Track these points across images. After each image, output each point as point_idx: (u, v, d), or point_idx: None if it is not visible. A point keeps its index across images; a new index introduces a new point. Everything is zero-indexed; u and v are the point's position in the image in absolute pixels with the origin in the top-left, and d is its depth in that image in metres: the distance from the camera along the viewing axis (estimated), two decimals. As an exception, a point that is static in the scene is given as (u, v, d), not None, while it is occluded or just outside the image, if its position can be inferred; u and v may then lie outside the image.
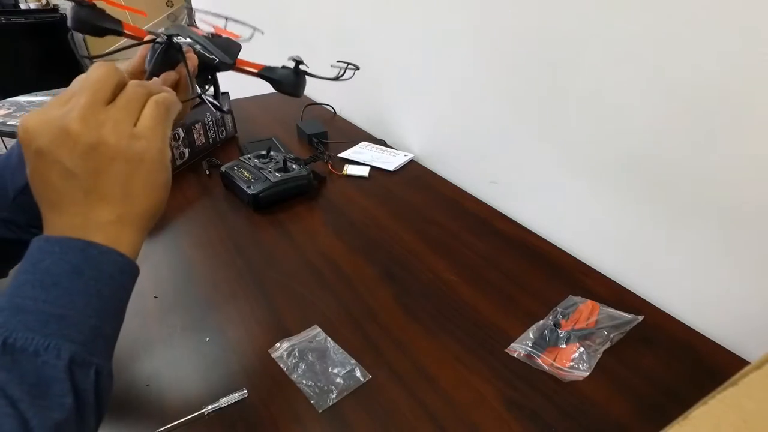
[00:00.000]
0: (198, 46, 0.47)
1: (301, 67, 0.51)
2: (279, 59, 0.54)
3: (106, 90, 0.33)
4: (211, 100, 0.49)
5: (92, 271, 0.32)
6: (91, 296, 0.31)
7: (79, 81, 0.34)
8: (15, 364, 0.28)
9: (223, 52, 0.47)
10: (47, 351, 0.28)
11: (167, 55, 0.44)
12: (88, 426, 0.30)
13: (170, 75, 0.44)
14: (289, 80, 0.51)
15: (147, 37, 0.46)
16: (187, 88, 0.45)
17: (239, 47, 0.49)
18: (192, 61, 0.45)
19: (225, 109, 0.53)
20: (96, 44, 2.60)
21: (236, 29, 0.50)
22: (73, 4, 0.43)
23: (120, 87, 0.34)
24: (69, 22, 0.44)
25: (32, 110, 0.33)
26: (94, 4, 0.44)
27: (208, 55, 0.47)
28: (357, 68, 0.50)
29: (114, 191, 0.33)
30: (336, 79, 0.50)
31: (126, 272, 0.34)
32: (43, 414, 0.27)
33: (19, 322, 0.29)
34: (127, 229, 0.34)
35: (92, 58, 0.47)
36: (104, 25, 0.44)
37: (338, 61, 0.51)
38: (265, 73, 0.51)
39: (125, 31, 0.46)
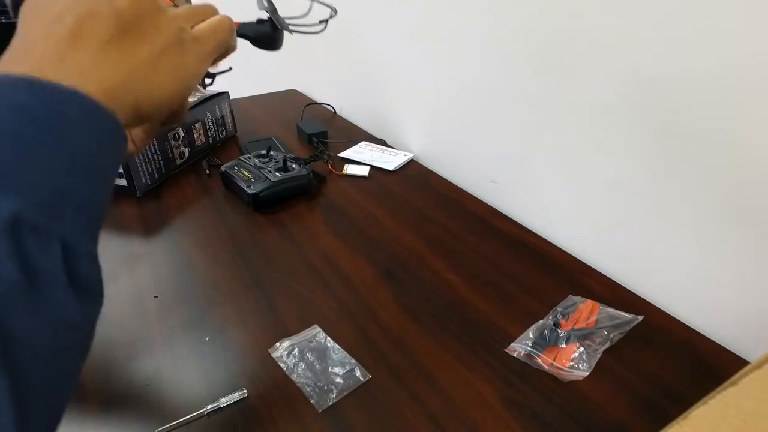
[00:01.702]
0: None
1: (276, 18, 0.47)
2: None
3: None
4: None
5: (56, 116, 0.24)
6: (49, 147, 0.23)
7: None
8: None
9: None
10: None
11: None
12: (57, 308, 0.22)
13: None
14: (265, 35, 0.48)
15: None
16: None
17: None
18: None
19: (226, 68, 0.49)
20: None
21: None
22: None
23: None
24: (11, 14, 0.39)
25: None
26: None
27: None
28: (334, 10, 0.48)
29: (139, 55, 0.29)
30: (313, 32, 0.47)
31: (104, 125, 0.26)
32: None
33: None
34: (126, 94, 0.28)
35: None
36: None
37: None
38: (241, 31, 0.47)
39: None
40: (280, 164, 0.85)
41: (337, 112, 1.27)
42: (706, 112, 0.51)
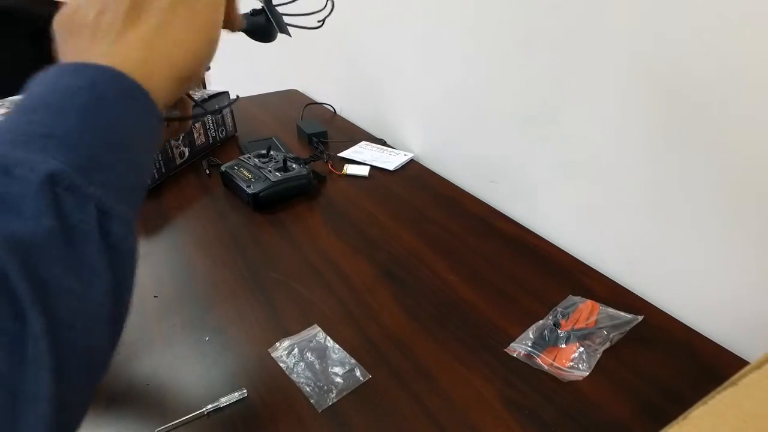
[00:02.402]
0: None
1: (271, 9, 0.47)
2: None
3: None
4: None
5: (91, 93, 0.26)
6: (87, 120, 0.25)
7: None
8: None
9: None
10: (18, 166, 0.21)
11: None
12: (88, 264, 0.22)
13: None
14: (259, 26, 0.47)
15: None
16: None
17: None
18: None
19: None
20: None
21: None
22: None
23: None
24: None
25: None
26: None
27: None
28: (332, 3, 0.47)
29: (150, 21, 0.30)
30: (309, 27, 0.47)
31: (136, 98, 0.28)
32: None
33: None
34: (153, 63, 0.30)
35: None
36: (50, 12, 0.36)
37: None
38: None
39: None
40: (280, 164, 0.85)
41: (337, 112, 1.27)
42: (707, 112, 0.51)
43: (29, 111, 0.25)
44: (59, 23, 0.31)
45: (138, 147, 0.28)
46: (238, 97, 0.49)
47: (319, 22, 0.47)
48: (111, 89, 0.27)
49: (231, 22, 0.38)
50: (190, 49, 0.32)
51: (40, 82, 0.27)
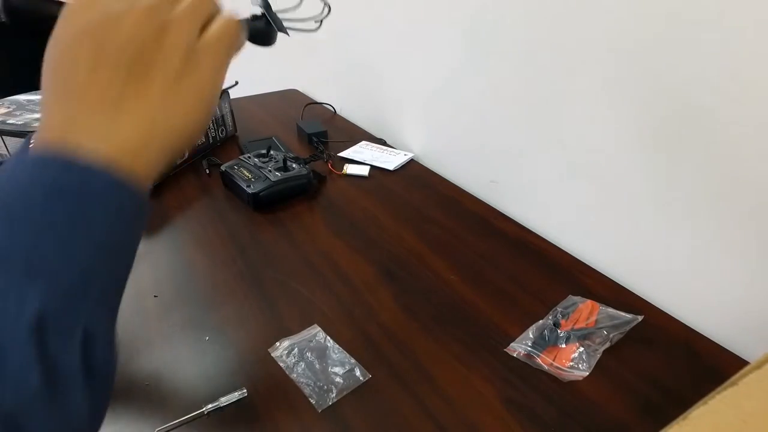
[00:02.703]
0: None
1: (271, 14, 0.47)
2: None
3: None
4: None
5: (79, 195, 0.23)
6: (75, 226, 0.23)
7: None
8: None
9: None
10: (5, 298, 0.20)
11: None
12: (74, 411, 0.22)
13: None
14: (259, 30, 0.47)
15: None
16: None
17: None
18: None
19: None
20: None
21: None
22: None
23: None
24: (2, 16, 0.33)
25: None
26: None
27: None
28: (328, 5, 0.47)
29: (156, 92, 0.26)
30: (308, 30, 0.47)
31: (132, 199, 0.26)
32: None
33: None
34: (152, 143, 0.26)
35: None
36: (50, 12, 0.32)
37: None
38: None
39: None
40: (280, 164, 0.85)
41: (337, 111, 1.27)
42: (706, 112, 0.51)
43: (6, 218, 0.22)
44: (47, 62, 0.26)
45: (126, 249, 0.27)
46: (236, 82, 0.48)
47: (316, 22, 0.47)
48: (104, 196, 0.24)
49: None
50: (192, 121, 0.29)
51: (21, 169, 0.23)
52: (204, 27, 0.30)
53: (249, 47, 0.50)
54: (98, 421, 0.25)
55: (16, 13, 0.33)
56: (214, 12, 0.31)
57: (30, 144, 0.27)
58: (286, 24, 0.46)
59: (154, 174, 0.27)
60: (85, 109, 0.25)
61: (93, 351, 0.23)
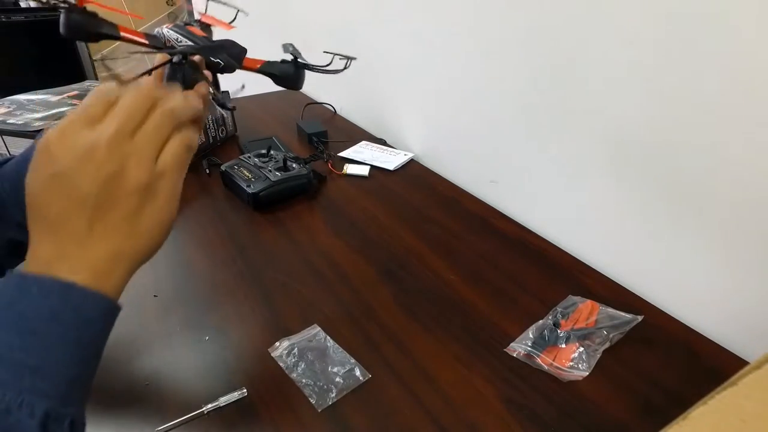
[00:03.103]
0: (203, 51, 0.46)
1: (300, 60, 0.50)
2: (277, 57, 0.54)
3: (137, 119, 0.32)
4: (220, 100, 0.48)
5: (73, 319, 0.30)
6: (69, 345, 0.30)
7: (99, 95, 0.32)
8: None
9: (228, 55, 0.47)
10: (20, 409, 0.27)
11: (185, 74, 0.43)
12: None
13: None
14: (289, 74, 0.50)
15: (158, 57, 0.44)
16: (207, 107, 0.43)
17: (244, 51, 0.49)
18: (208, 78, 0.44)
19: (229, 106, 0.52)
20: (92, 47, 2.59)
21: (222, 12, 0.49)
22: (64, 9, 0.41)
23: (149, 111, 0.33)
24: (61, 29, 0.42)
25: (53, 127, 0.31)
26: (85, 8, 0.42)
27: (212, 59, 0.46)
28: (353, 59, 0.50)
29: (121, 227, 0.32)
30: (333, 71, 0.50)
31: (108, 315, 0.32)
32: None
33: None
34: (121, 266, 0.32)
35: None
36: (99, 30, 0.43)
37: (327, 52, 0.50)
38: (266, 69, 0.50)
39: (122, 35, 0.44)
40: (281, 164, 0.85)
41: (337, 111, 1.27)
42: (706, 113, 0.51)
43: (14, 332, 0.28)
44: (28, 198, 0.31)
45: (101, 349, 0.32)
46: (234, 107, 0.52)
47: (341, 59, 0.50)
48: (92, 313, 0.31)
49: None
50: (155, 239, 0.34)
51: (24, 292, 0.29)
52: (162, 146, 0.33)
53: (249, 47, 0.50)
54: None
55: (75, 29, 0.42)
56: (173, 129, 0.34)
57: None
58: (314, 68, 0.51)
59: (124, 285, 0.33)
60: (60, 244, 0.31)
61: (75, 430, 0.29)
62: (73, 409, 0.30)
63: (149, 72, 0.43)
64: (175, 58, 0.43)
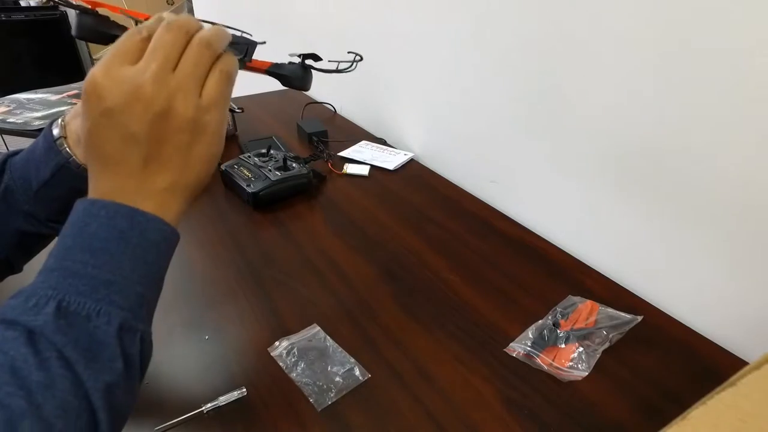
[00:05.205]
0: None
1: (307, 61, 0.51)
2: (280, 58, 0.54)
3: (176, 54, 0.33)
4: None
5: (138, 239, 0.32)
6: (137, 263, 0.32)
7: (133, 33, 0.33)
8: (70, 327, 0.28)
9: (238, 46, 0.47)
10: (99, 316, 0.29)
11: None
12: (133, 389, 0.32)
13: None
14: (297, 75, 0.51)
15: None
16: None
17: (254, 45, 0.49)
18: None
19: (236, 108, 0.53)
20: (92, 46, 2.59)
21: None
22: (77, 12, 0.42)
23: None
24: (73, 31, 0.43)
25: (97, 63, 0.32)
26: (97, 11, 0.43)
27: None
28: (361, 58, 0.51)
29: (173, 161, 0.33)
30: (340, 71, 0.50)
31: (169, 240, 0.34)
32: (96, 376, 0.28)
33: (70, 286, 0.30)
34: (177, 198, 0.34)
35: None
36: (111, 32, 0.43)
37: (351, 52, 0.51)
38: (274, 70, 0.51)
39: None
40: (280, 163, 0.85)
41: (337, 111, 1.27)
42: (705, 113, 0.51)
43: (87, 251, 0.31)
44: (85, 136, 0.33)
45: (164, 271, 0.35)
46: (242, 109, 0.53)
47: (352, 61, 0.52)
48: (155, 235, 0.33)
49: None
50: (204, 173, 0.36)
51: (93, 216, 0.32)
52: (204, 79, 0.34)
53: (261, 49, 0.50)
54: (138, 392, 0.34)
55: (87, 31, 0.42)
56: (212, 62, 0.35)
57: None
58: (321, 68, 0.51)
59: (181, 215, 0.35)
60: (118, 180, 0.32)
61: (145, 349, 0.32)
62: (143, 326, 0.32)
63: None
64: None
